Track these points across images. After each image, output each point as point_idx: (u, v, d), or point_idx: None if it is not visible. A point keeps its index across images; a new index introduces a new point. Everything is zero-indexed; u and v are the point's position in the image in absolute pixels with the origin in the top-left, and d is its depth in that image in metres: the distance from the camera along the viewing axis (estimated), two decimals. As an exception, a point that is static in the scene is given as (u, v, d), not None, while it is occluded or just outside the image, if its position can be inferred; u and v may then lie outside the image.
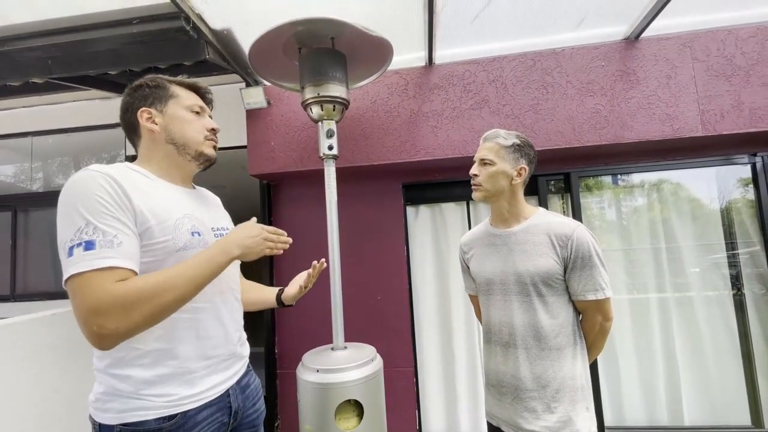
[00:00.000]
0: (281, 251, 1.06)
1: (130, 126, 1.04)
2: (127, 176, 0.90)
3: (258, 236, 1.00)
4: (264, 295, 1.34)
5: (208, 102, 1.14)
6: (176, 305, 0.85)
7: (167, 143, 1.02)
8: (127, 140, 2.97)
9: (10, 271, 3.17)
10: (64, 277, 0.78)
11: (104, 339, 0.77)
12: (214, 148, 1.10)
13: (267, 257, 2.55)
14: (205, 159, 1.08)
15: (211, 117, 1.12)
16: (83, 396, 1.95)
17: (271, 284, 2.06)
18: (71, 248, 0.78)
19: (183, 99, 1.05)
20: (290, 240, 1.09)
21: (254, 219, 1.08)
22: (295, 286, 1.33)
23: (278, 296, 1.33)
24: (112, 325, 0.76)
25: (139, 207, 0.87)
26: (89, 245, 0.78)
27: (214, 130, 1.09)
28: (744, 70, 2.03)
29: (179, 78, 1.09)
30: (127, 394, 0.86)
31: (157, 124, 1.01)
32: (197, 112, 1.07)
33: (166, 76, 1.08)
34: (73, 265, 0.77)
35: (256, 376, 1.18)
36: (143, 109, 1.01)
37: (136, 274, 0.83)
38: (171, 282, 0.83)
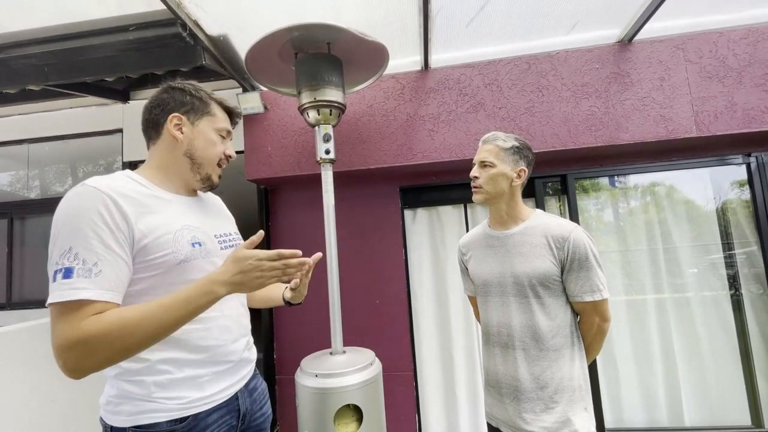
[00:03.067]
0: (297, 276, 0.96)
1: (154, 122, 1.02)
2: (126, 190, 0.89)
3: (251, 272, 0.86)
4: (271, 293, 1.29)
5: (235, 123, 1.14)
6: (144, 346, 0.81)
7: (185, 156, 1.01)
8: (123, 147, 2.97)
9: (6, 278, 3.14)
10: (47, 303, 0.78)
11: (71, 373, 0.77)
12: (220, 176, 1.10)
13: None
14: (209, 184, 1.08)
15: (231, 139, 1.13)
16: (80, 405, 1.94)
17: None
18: (54, 273, 0.78)
19: (217, 120, 1.06)
20: (303, 259, 0.91)
21: (258, 235, 0.91)
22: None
23: (284, 295, 1.27)
24: (75, 363, 0.76)
25: (136, 225, 0.86)
26: (68, 273, 0.77)
27: (229, 158, 1.10)
28: (736, 72, 2.05)
29: (220, 97, 1.09)
30: (139, 397, 0.87)
31: (183, 134, 1.01)
32: (223, 137, 1.08)
33: (208, 91, 1.07)
34: (51, 293, 0.77)
35: (262, 380, 1.18)
36: (175, 114, 1.00)
37: (115, 305, 0.81)
38: (140, 325, 0.79)
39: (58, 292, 0.76)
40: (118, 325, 0.77)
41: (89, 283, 0.77)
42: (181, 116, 1.01)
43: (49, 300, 0.77)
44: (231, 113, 1.11)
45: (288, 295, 1.24)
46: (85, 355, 0.76)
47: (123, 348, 0.78)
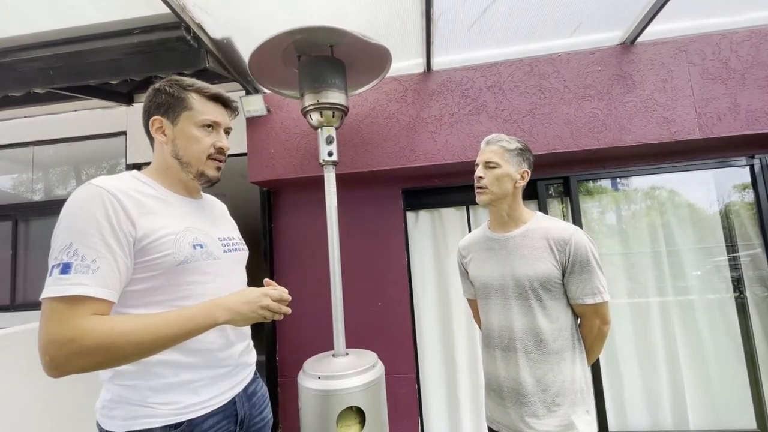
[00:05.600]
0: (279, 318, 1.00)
1: (145, 127, 1.02)
2: (131, 190, 0.89)
3: (256, 303, 0.93)
4: None
5: (233, 110, 1.08)
6: (137, 357, 0.81)
7: (172, 157, 1.00)
8: (127, 150, 3.00)
9: (11, 280, 3.16)
10: (40, 297, 0.77)
11: (54, 371, 0.75)
12: (218, 168, 1.05)
13: (268, 263, 2.55)
14: (206, 180, 1.04)
15: (229, 129, 1.07)
16: (83, 408, 1.94)
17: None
18: (52, 267, 0.77)
19: (197, 113, 0.99)
20: (289, 311, 0.99)
21: (266, 283, 1.01)
22: None
23: None
24: (64, 361, 0.74)
25: (139, 223, 0.86)
26: (65, 268, 0.76)
27: (221, 150, 1.03)
28: (739, 73, 2.05)
29: (201, 84, 1.01)
30: (133, 402, 0.86)
31: (166, 135, 0.99)
32: (209, 126, 1.01)
33: (188, 80, 1.01)
34: (46, 288, 0.76)
35: (263, 384, 1.16)
36: (156, 117, 0.99)
37: (110, 303, 0.81)
38: (138, 336, 0.78)
39: (55, 287, 0.75)
40: (118, 331, 0.76)
41: (87, 279, 0.76)
42: (162, 118, 0.98)
43: (44, 294, 0.75)
44: (220, 100, 1.04)
45: None
46: (77, 355, 0.74)
47: (116, 356, 0.78)
